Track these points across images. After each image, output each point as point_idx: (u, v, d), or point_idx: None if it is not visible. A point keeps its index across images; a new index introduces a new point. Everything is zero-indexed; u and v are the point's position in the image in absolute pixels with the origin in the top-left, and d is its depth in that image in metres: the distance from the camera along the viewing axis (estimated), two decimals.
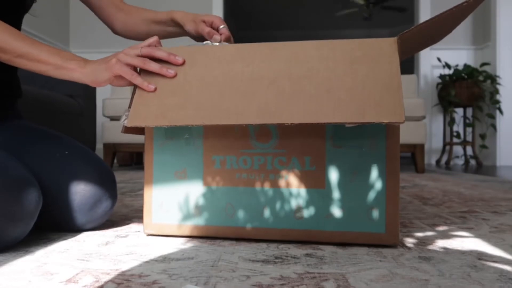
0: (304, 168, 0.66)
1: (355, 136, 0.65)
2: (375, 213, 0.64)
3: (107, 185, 0.76)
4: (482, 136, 3.38)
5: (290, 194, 0.67)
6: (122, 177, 2.04)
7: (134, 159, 3.41)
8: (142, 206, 1.05)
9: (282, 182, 0.67)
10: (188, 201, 0.70)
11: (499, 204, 1.10)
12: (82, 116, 2.27)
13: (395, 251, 0.62)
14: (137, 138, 2.51)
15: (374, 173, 0.64)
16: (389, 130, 0.64)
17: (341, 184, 0.65)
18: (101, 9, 0.91)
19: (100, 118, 3.49)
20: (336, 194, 0.65)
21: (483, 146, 3.37)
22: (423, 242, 0.67)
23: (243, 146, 0.68)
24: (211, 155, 0.69)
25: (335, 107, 0.58)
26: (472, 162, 3.69)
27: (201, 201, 0.70)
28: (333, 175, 0.66)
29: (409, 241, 0.68)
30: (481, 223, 0.84)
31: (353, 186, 0.65)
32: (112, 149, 2.55)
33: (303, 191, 0.66)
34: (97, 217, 0.75)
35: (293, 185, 0.67)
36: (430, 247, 0.64)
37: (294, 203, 0.67)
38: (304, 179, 0.66)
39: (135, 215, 0.94)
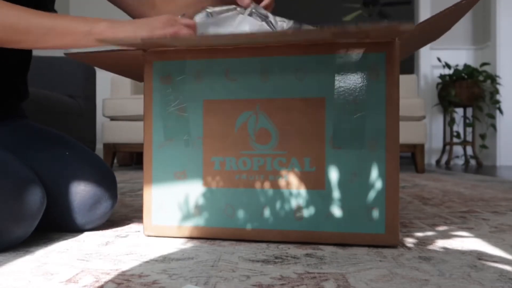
0: (304, 169, 0.66)
1: (355, 136, 0.65)
2: (375, 213, 0.64)
3: (107, 186, 0.76)
4: (482, 136, 3.39)
5: (290, 194, 0.67)
6: (122, 177, 2.04)
7: (134, 159, 3.41)
8: (142, 206, 1.05)
9: (282, 183, 0.67)
10: (188, 202, 0.70)
11: (499, 204, 1.10)
12: (82, 116, 2.27)
13: (395, 251, 0.62)
14: (137, 138, 2.51)
15: (374, 173, 0.64)
16: (389, 130, 0.64)
17: (341, 184, 0.65)
18: (133, 8, 0.88)
19: (100, 118, 3.48)
20: (336, 195, 0.65)
21: (483, 146, 3.37)
22: (423, 242, 0.67)
23: (242, 148, 0.68)
24: (211, 156, 0.69)
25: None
26: (472, 162, 3.69)
27: (200, 202, 0.70)
28: (333, 175, 0.66)
29: (409, 241, 0.68)
30: (481, 223, 0.84)
31: (353, 187, 0.65)
32: (112, 149, 2.55)
33: (303, 191, 0.66)
34: (97, 218, 0.75)
35: (293, 185, 0.67)
36: (430, 247, 0.64)
37: (294, 203, 0.67)
38: (304, 180, 0.66)
39: (135, 215, 0.94)
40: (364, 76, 0.64)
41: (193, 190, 0.70)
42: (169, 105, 0.70)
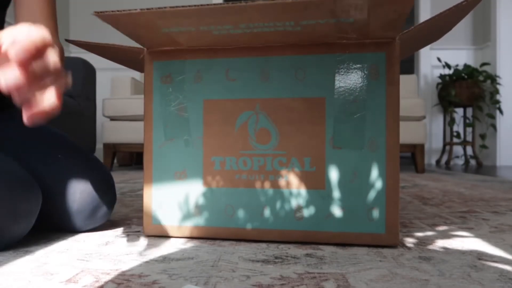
0: (304, 169, 0.66)
1: (355, 136, 0.65)
2: (375, 214, 0.64)
3: (106, 190, 0.75)
4: (482, 136, 3.39)
5: (290, 194, 0.67)
6: (122, 177, 2.04)
7: (134, 159, 3.41)
8: (142, 206, 1.05)
9: (282, 183, 0.67)
10: (188, 202, 0.70)
11: (499, 204, 1.10)
12: (82, 116, 2.27)
13: (395, 251, 0.62)
14: (137, 138, 2.51)
15: (374, 173, 0.64)
16: (389, 130, 0.64)
17: (341, 184, 0.65)
18: None
19: (100, 118, 3.49)
20: (336, 195, 0.65)
21: (483, 146, 3.37)
22: (423, 242, 0.67)
23: (242, 147, 0.68)
24: (211, 156, 0.69)
25: None
26: (472, 162, 3.69)
27: (201, 202, 0.70)
28: (333, 175, 0.66)
29: (409, 241, 0.68)
30: (481, 223, 0.84)
31: (353, 187, 0.65)
32: (112, 149, 2.55)
33: (303, 191, 0.66)
34: (96, 221, 0.75)
35: (293, 185, 0.67)
36: (430, 247, 0.64)
37: (294, 203, 0.67)
38: (304, 179, 0.66)
39: (135, 215, 0.94)
40: (364, 76, 0.64)
41: (193, 190, 0.70)
42: (170, 105, 0.71)
